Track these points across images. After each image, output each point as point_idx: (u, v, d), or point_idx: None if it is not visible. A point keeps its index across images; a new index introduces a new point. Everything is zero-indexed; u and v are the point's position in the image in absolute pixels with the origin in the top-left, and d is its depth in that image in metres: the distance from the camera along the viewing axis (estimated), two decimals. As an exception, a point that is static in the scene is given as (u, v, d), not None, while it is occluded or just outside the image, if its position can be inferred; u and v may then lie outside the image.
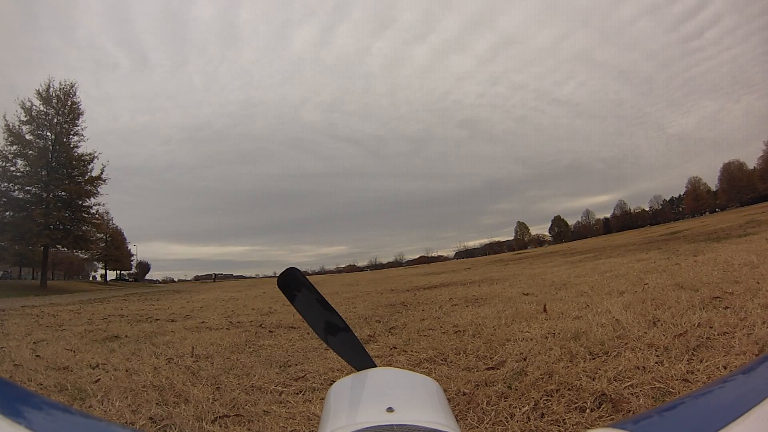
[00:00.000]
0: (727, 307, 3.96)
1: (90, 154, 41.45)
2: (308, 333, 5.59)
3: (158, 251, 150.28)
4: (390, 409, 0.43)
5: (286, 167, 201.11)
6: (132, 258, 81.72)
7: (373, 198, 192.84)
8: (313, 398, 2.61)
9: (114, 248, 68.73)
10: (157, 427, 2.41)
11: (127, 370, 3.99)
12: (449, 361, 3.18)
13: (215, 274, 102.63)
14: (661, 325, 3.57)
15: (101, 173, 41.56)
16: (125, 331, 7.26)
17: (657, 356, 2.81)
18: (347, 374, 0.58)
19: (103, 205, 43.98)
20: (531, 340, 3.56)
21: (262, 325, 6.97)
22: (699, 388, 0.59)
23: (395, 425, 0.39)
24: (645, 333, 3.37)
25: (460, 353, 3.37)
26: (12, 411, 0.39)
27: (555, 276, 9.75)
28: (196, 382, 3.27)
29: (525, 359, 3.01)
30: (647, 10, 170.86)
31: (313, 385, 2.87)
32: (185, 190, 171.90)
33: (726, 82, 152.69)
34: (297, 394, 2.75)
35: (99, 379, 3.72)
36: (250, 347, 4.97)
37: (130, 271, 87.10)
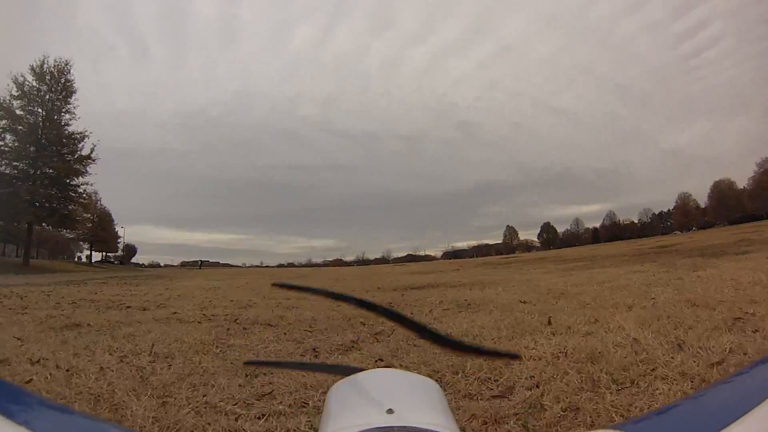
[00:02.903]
0: (756, 331, 3.53)
1: (80, 132, 40.62)
2: (285, 333, 5.07)
3: (146, 235, 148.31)
4: (390, 411, 0.42)
5: (279, 158, 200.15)
6: (119, 240, 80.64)
7: (364, 194, 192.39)
8: (277, 429, 2.07)
9: (101, 229, 67.35)
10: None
11: (68, 370, 3.42)
12: (446, 383, 2.67)
13: (201, 261, 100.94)
14: (688, 348, 3.11)
15: (91, 152, 40.73)
16: (89, 318, 6.65)
17: (695, 389, 2.34)
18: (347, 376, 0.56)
19: (91, 184, 43.38)
20: (540, 359, 3.08)
21: (237, 320, 6.42)
22: (699, 389, 0.63)
23: (395, 427, 0.39)
24: (672, 358, 2.90)
25: (457, 372, 2.87)
26: (12, 411, 0.40)
27: (549, 283, 9.32)
28: (142, 393, 2.73)
29: (538, 385, 2.52)
30: (648, 27, 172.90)
31: (280, 407, 2.32)
32: (177, 175, 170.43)
33: (721, 103, 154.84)
34: (257, 419, 2.21)
35: (31, 379, 3.17)
36: (217, 347, 4.42)
37: (117, 254, 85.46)
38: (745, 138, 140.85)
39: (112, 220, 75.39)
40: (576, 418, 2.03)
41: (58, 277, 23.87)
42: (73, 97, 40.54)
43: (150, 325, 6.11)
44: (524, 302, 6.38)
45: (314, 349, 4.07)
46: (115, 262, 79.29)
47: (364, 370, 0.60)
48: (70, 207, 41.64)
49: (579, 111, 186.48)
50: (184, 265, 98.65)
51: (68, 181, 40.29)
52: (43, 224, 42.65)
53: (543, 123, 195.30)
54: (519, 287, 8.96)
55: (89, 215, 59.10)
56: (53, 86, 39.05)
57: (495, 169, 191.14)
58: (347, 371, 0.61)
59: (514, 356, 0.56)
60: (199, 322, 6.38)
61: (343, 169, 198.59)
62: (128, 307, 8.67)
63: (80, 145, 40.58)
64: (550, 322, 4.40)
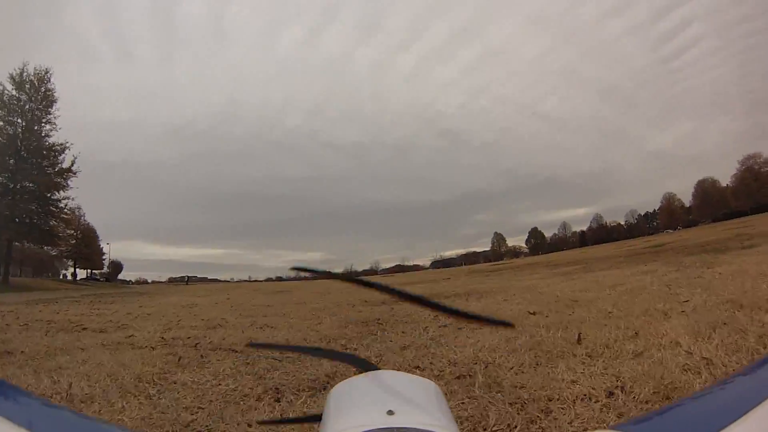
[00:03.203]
0: None
1: (61, 144, 38.83)
2: (248, 364, 4.08)
3: (134, 251, 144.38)
4: (390, 412, 0.42)
5: (267, 170, 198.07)
6: (104, 257, 77.88)
7: (352, 204, 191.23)
8: None
9: (84, 246, 64.79)
10: None
11: None
12: None
13: (188, 277, 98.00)
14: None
15: (72, 165, 38.83)
16: (28, 344, 5.70)
17: None
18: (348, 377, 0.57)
19: (73, 199, 41.37)
20: (592, 399, 2.14)
21: (198, 345, 5.41)
22: (699, 389, 0.61)
23: (395, 428, 0.39)
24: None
25: (475, 426, 1.92)
26: (12, 412, 0.40)
27: (554, 290, 8.44)
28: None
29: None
30: (630, 30, 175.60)
31: None
32: (165, 189, 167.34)
33: (703, 103, 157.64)
34: None
35: None
36: (155, 385, 3.43)
37: (102, 271, 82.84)
38: (726, 137, 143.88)
39: (97, 236, 73.16)
40: None
41: (33, 295, 22.29)
42: (54, 107, 38.87)
43: (92, 352, 5.13)
44: (534, 314, 5.47)
45: (276, 390, 3.09)
46: (101, 280, 76.86)
47: (367, 361, 0.62)
48: (51, 223, 39.98)
49: (564, 115, 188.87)
50: (171, 281, 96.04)
51: (49, 195, 38.55)
52: (24, 241, 40.96)
53: (528, 128, 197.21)
54: (521, 296, 8.06)
55: (72, 231, 57.82)
56: (33, 95, 37.39)
57: (482, 176, 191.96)
58: (352, 360, 0.63)
59: (509, 324, 0.56)
60: (153, 348, 5.38)
61: (330, 180, 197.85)
62: (84, 328, 7.65)
63: (61, 158, 38.91)
64: (579, 340, 3.48)
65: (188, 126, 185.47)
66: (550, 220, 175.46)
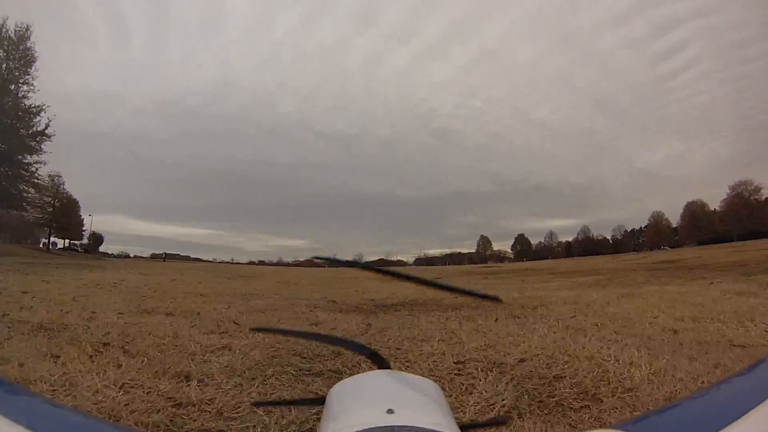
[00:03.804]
0: None
1: (38, 106, 36.12)
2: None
3: (118, 225, 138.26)
4: (390, 411, 0.42)
5: (256, 153, 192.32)
6: (83, 228, 75.14)
7: (338, 194, 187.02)
8: None
9: (61, 215, 61.18)
10: None
11: None
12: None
13: (165, 254, 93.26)
14: None
15: (45, 128, 36.31)
16: None
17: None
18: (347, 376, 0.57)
19: (45, 164, 39.10)
20: None
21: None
22: (699, 389, 0.68)
23: (395, 427, 0.39)
24: None
25: None
26: (12, 411, 0.40)
27: (625, 310, 5.55)
28: None
29: None
30: (628, 44, 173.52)
31: None
32: (151, 164, 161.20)
33: (695, 126, 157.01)
34: None
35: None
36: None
37: (82, 242, 79.27)
38: (714, 162, 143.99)
39: (78, 207, 70.54)
40: None
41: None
42: (32, 67, 36.07)
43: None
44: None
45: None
46: (80, 250, 73.84)
47: (369, 348, 0.63)
48: (20, 187, 37.75)
49: (556, 124, 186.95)
50: (153, 257, 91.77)
51: (20, 158, 36.27)
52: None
53: (520, 133, 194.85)
54: (594, 318, 5.10)
55: (49, 199, 55.68)
56: (11, 53, 34.82)
57: (470, 178, 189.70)
58: (353, 346, 0.64)
59: (496, 299, 0.59)
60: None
61: (319, 168, 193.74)
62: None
63: (36, 120, 36.37)
64: None
65: (178, 102, 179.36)
66: (535, 228, 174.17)
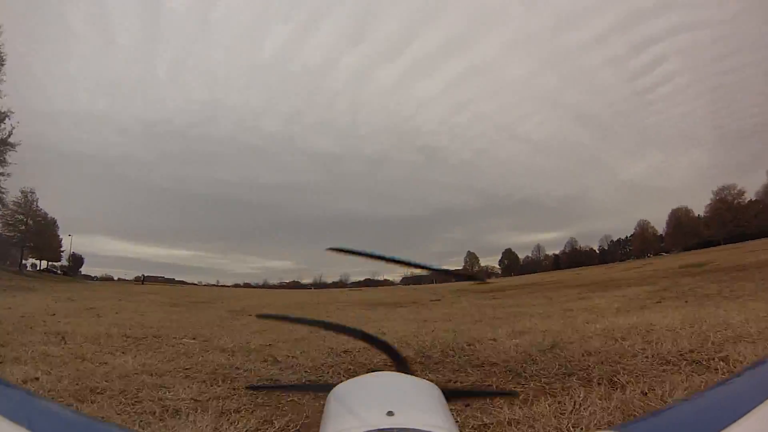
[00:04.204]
0: None
1: (3, 112, 33.24)
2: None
3: (101, 247, 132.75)
4: (390, 413, 0.42)
5: (241, 175, 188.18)
6: (62, 249, 71.19)
7: (323, 215, 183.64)
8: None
9: (35, 233, 57.55)
10: None
11: None
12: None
13: (143, 276, 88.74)
14: None
15: (8, 136, 33.63)
16: None
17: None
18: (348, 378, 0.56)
19: (8, 175, 36.05)
20: None
21: None
22: (699, 390, 0.74)
23: (396, 429, 0.39)
24: None
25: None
26: (12, 412, 0.40)
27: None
28: None
29: None
30: (608, 61, 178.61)
31: None
32: (136, 185, 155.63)
33: (674, 136, 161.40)
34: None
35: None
36: None
37: (61, 263, 74.89)
38: (695, 169, 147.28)
39: (56, 227, 67.39)
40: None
41: None
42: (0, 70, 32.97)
43: None
44: None
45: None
46: (58, 272, 70.00)
47: (372, 336, 0.62)
48: None
49: (541, 139, 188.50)
50: (137, 279, 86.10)
51: None
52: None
53: (505, 149, 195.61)
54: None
55: (21, 216, 53.39)
56: None
57: (456, 195, 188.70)
58: (357, 334, 0.64)
59: (483, 280, 0.57)
60: None
61: (303, 189, 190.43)
62: None
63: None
64: None
65: (165, 123, 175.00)
66: (521, 242, 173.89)
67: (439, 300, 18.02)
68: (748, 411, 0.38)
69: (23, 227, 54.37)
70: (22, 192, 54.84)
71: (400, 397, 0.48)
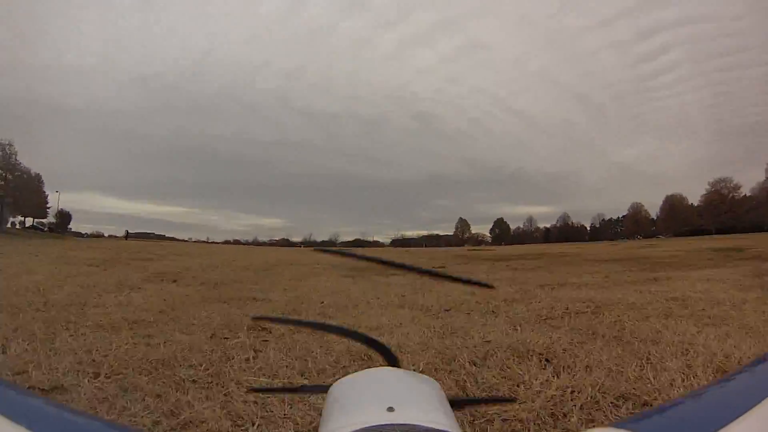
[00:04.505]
0: None
1: None
2: None
3: (91, 203, 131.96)
4: (390, 409, 0.42)
5: (235, 130, 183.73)
6: (48, 206, 69.36)
7: (317, 174, 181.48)
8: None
9: (13, 188, 54.63)
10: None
11: None
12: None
13: (127, 232, 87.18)
14: None
15: None
16: None
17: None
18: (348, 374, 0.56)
19: None
20: None
21: None
22: (699, 387, 0.60)
23: (396, 425, 0.39)
24: None
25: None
26: (12, 411, 0.40)
27: None
28: None
29: None
30: (612, 44, 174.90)
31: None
32: (128, 140, 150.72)
33: (671, 125, 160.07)
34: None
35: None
36: None
37: (45, 220, 73.98)
38: (688, 160, 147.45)
39: (41, 183, 64.92)
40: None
41: None
42: None
43: None
44: None
45: None
46: (44, 230, 68.52)
47: (372, 338, 0.61)
48: None
49: (536, 114, 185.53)
50: (128, 236, 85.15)
51: None
52: None
53: (501, 121, 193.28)
54: None
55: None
56: None
57: (449, 163, 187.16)
58: (356, 336, 0.62)
59: (489, 286, 0.58)
60: None
61: (299, 147, 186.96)
62: None
63: None
64: None
65: (158, 77, 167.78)
66: (511, 214, 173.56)
67: (443, 267, 15.36)
68: (749, 408, 0.37)
69: (1, 182, 52.05)
70: (-1, 144, 51.62)
71: (400, 392, 0.47)
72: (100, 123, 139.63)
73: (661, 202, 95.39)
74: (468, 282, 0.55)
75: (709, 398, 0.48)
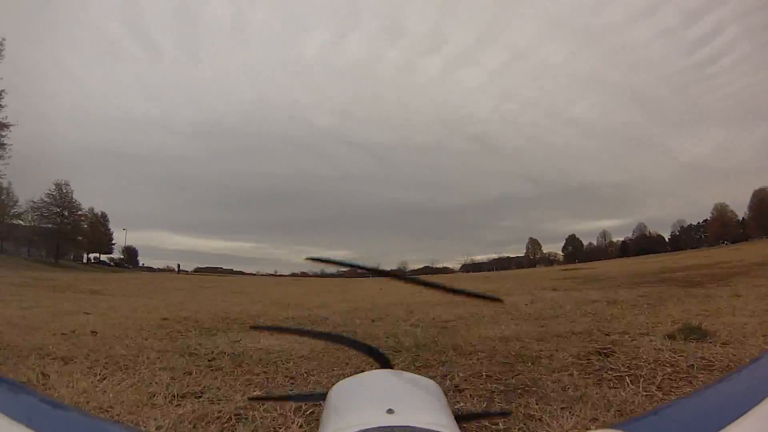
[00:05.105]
0: None
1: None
2: None
3: (160, 240, 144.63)
4: (390, 411, 0.42)
5: (294, 168, 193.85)
6: (113, 242, 76.32)
7: (378, 205, 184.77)
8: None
9: (67, 224, 58.50)
10: None
11: None
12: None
13: (179, 265, 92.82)
14: None
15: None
16: None
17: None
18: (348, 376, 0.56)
19: (5, 164, 37.15)
20: None
21: None
22: (699, 388, 0.60)
23: (396, 427, 0.39)
24: None
25: None
26: (12, 410, 0.40)
27: None
28: None
29: None
30: (661, 34, 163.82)
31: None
32: (193, 183, 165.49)
33: (741, 111, 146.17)
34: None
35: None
36: None
37: (112, 256, 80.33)
38: (763, 147, 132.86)
39: (106, 221, 72.33)
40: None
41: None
42: None
43: None
44: None
45: None
46: (111, 264, 75.04)
47: (369, 346, 0.62)
48: None
49: (593, 121, 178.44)
50: (198, 270, 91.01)
51: None
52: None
53: (558, 134, 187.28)
54: None
55: (57, 208, 54.80)
56: None
57: (511, 182, 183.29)
58: (354, 344, 0.63)
59: (497, 299, 0.58)
60: None
61: (357, 180, 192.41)
62: None
63: None
64: None
65: (216, 123, 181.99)
66: (581, 230, 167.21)
67: (531, 302, 11.30)
68: (748, 410, 0.37)
69: (58, 219, 55.11)
70: (56, 184, 56.22)
71: (400, 394, 0.48)
72: (165, 169, 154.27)
73: (749, 200, 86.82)
74: (476, 296, 0.54)
75: (708, 398, 0.48)
